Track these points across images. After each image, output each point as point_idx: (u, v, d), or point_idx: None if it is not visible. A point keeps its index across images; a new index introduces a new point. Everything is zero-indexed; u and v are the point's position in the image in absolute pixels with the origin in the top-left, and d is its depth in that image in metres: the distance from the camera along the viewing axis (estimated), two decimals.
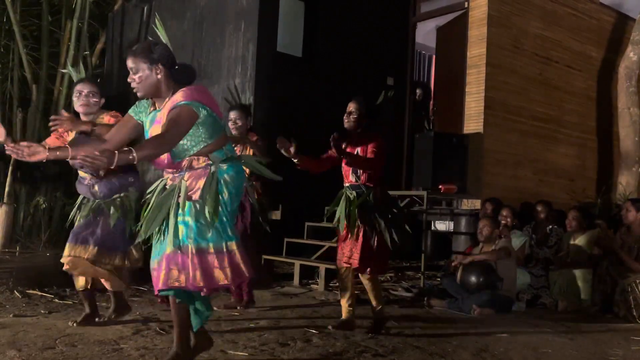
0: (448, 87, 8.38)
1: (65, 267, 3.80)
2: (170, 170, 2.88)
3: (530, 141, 8.00)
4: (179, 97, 2.76)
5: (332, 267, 5.95)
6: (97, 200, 3.82)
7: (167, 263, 2.77)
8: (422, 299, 5.65)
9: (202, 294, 2.81)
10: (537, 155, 8.06)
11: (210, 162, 2.81)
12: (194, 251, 2.75)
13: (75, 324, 3.86)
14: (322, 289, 6.00)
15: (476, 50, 7.59)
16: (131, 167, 3.79)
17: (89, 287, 3.98)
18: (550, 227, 6.26)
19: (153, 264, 2.87)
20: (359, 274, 4.15)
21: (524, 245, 6.10)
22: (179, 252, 2.76)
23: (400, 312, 5.04)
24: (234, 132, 4.87)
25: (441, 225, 7.55)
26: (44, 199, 7.58)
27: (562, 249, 6.01)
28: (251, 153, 4.77)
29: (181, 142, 2.74)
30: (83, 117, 3.87)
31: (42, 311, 4.34)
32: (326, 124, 7.65)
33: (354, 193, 4.08)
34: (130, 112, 2.96)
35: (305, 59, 7.89)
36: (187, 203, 2.77)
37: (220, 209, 2.77)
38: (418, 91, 9.39)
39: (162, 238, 2.83)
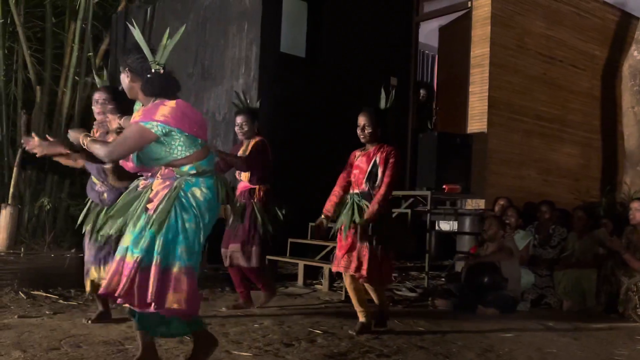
0: (451, 87, 8.37)
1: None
2: (140, 173, 2.92)
3: (534, 141, 7.98)
4: (142, 113, 2.75)
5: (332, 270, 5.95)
6: (105, 208, 3.86)
7: (117, 268, 2.73)
8: (427, 299, 5.64)
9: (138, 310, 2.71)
10: (541, 155, 8.04)
11: (175, 175, 2.77)
12: (134, 263, 2.68)
13: (90, 322, 3.94)
14: (327, 289, 6.00)
15: (479, 50, 7.57)
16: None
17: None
18: (553, 227, 6.25)
19: (115, 259, 2.80)
20: (364, 284, 4.13)
21: (528, 245, 6.08)
22: (123, 261, 2.71)
23: (404, 312, 5.03)
24: (240, 137, 4.86)
25: (445, 225, 7.54)
26: (48, 200, 7.60)
27: (566, 249, 5.99)
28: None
29: (148, 152, 2.75)
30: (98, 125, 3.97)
31: (47, 312, 4.35)
32: (330, 124, 7.69)
33: (364, 201, 4.05)
34: (135, 110, 3.00)
35: (308, 59, 7.88)
36: (142, 215, 2.74)
37: (190, 223, 2.72)
38: (422, 91, 9.38)
39: (125, 240, 2.78)
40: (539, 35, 8.08)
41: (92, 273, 3.94)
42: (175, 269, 2.70)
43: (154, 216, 2.70)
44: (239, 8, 7.75)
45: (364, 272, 3.98)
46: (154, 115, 2.69)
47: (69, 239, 7.18)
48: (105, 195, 3.89)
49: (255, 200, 4.72)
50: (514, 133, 7.71)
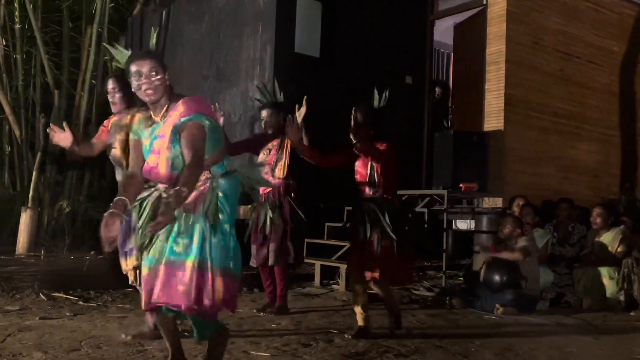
0: (467, 85, 8.32)
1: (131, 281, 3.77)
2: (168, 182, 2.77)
3: (552, 138, 7.91)
4: (181, 110, 2.68)
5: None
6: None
7: (152, 279, 2.68)
8: (444, 299, 5.61)
9: (185, 312, 2.69)
10: (559, 152, 7.97)
11: (209, 176, 2.74)
12: (189, 266, 2.64)
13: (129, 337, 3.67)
14: (343, 290, 5.99)
15: (495, 47, 7.52)
16: None
17: None
18: (573, 224, 6.18)
19: (143, 274, 2.75)
20: (375, 284, 4.08)
21: (546, 243, 6.03)
22: (165, 266, 2.66)
23: (422, 312, 5.02)
24: (268, 131, 4.80)
25: (462, 224, 7.50)
26: (67, 202, 7.67)
27: (586, 247, 5.93)
28: (289, 147, 4.69)
29: (183, 157, 2.68)
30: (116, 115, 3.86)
31: (67, 313, 4.40)
32: (345, 123, 7.65)
33: (372, 206, 3.98)
34: (132, 135, 2.89)
35: (323, 59, 7.88)
36: (182, 217, 2.68)
37: (226, 224, 2.71)
38: (437, 89, 9.35)
39: (153, 251, 2.72)
40: (556, 32, 8.00)
41: (122, 264, 3.73)
42: (216, 270, 2.67)
43: (202, 220, 2.66)
44: (253, 9, 7.77)
45: (376, 271, 3.93)
46: (196, 107, 2.68)
47: (88, 241, 7.24)
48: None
49: (292, 196, 4.71)
50: (531, 130, 7.65)
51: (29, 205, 5.99)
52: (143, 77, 2.68)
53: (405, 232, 3.98)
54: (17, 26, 8.41)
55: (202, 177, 2.73)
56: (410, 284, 5.75)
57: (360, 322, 4.05)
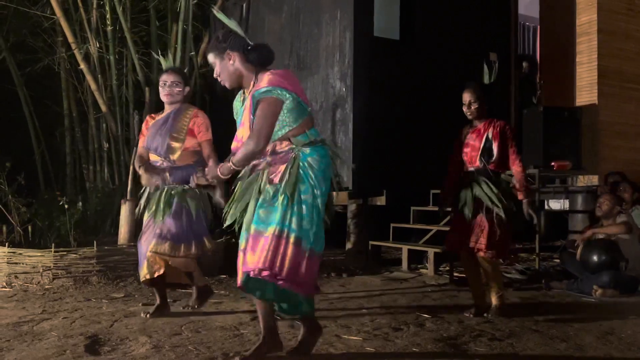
0: (556, 59, 7.96)
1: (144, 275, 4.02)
2: None
3: None
4: (264, 82, 2.77)
5: (441, 251, 5.88)
6: (167, 190, 3.96)
7: (250, 247, 2.77)
8: (539, 281, 5.44)
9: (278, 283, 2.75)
10: None
11: (292, 145, 2.81)
12: (270, 234, 2.72)
13: (148, 316, 3.95)
14: (432, 273, 5.94)
15: (586, 17, 7.14)
16: (200, 159, 3.98)
17: (157, 277, 4.00)
18: None
19: (240, 246, 2.85)
20: (480, 258, 4.04)
21: None
22: (252, 235, 2.76)
23: (515, 295, 4.89)
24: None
25: (556, 204, 7.22)
26: None
27: None
28: None
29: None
30: (167, 107, 4.10)
31: (167, 300, 4.60)
32: (428, 105, 7.55)
33: (482, 178, 4.00)
34: (235, 116, 3.02)
35: (403, 41, 7.77)
36: (267, 188, 2.78)
37: (306, 195, 2.76)
38: (524, 64, 9.00)
39: (245, 225, 2.84)
40: None
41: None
42: (291, 240, 2.72)
43: (281, 189, 2.74)
44: None
45: (482, 245, 3.95)
46: (278, 81, 2.74)
47: None
48: (167, 174, 3.95)
49: None
50: (627, 103, 7.22)
51: (128, 198, 6.32)
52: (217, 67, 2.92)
53: (510, 206, 3.97)
54: (109, 28, 8.84)
55: (285, 147, 2.82)
56: (508, 261, 5.60)
57: (495, 301, 4.05)
